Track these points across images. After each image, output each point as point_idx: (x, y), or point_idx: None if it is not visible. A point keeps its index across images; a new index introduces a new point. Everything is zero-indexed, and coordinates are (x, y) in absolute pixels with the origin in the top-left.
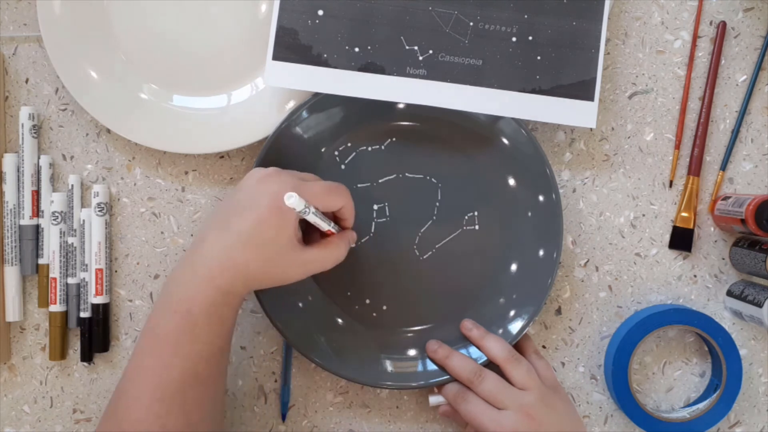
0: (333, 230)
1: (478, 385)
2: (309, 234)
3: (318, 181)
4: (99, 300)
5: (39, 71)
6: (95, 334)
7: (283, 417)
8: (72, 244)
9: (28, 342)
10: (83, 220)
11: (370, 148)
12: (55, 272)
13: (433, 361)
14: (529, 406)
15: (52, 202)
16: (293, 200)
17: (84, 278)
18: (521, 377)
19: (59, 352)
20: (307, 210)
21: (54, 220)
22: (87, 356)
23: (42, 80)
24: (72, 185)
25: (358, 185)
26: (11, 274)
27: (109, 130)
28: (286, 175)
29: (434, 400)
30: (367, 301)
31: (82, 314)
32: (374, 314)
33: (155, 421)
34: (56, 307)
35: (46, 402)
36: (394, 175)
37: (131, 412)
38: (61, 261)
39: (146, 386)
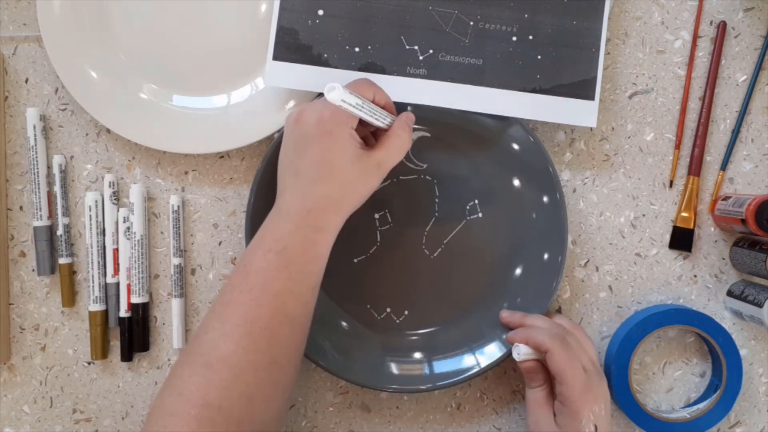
0: (386, 124)
1: (567, 337)
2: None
3: None
4: (137, 300)
5: (39, 71)
6: (135, 333)
7: None
8: (105, 244)
9: (28, 342)
10: (122, 219)
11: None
12: (92, 271)
13: (509, 326)
14: (603, 376)
15: (93, 205)
16: (336, 92)
17: (118, 280)
18: (591, 349)
19: (101, 351)
20: (353, 105)
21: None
22: (126, 356)
23: (42, 80)
24: (110, 182)
25: None
26: (177, 305)
27: (108, 130)
28: (317, 102)
29: (524, 351)
30: (388, 310)
31: (121, 314)
32: (397, 321)
33: (244, 355)
34: (96, 306)
35: (46, 402)
36: (388, 181)
37: (220, 346)
38: (99, 261)
39: (236, 320)
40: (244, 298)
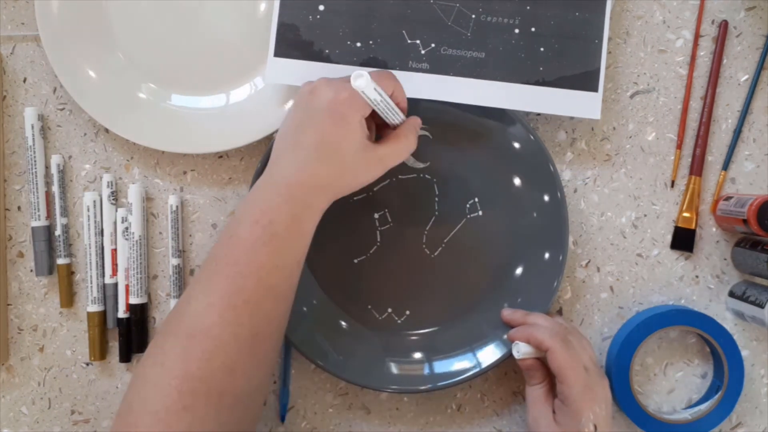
0: (398, 120)
1: (568, 336)
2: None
3: None
4: (136, 300)
5: (37, 71)
6: (133, 334)
7: (282, 418)
8: (103, 244)
9: (26, 343)
10: (120, 219)
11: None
12: (91, 272)
13: (510, 324)
14: (603, 377)
15: (92, 205)
16: (362, 80)
17: (117, 280)
18: (590, 349)
19: (99, 352)
20: (376, 94)
21: (88, 219)
22: (125, 356)
23: (40, 80)
24: (109, 182)
25: (355, 198)
26: None
27: (107, 130)
28: (335, 80)
29: (524, 349)
30: (389, 310)
31: (119, 315)
32: (398, 321)
33: (227, 327)
34: (95, 307)
35: (44, 403)
36: (387, 180)
37: (203, 317)
38: (97, 262)
39: (220, 292)
40: (228, 270)
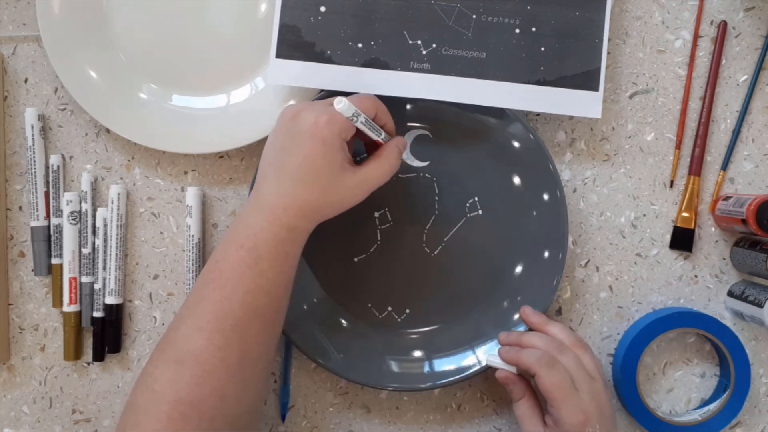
0: (382, 139)
1: (560, 357)
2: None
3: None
4: (112, 300)
5: (38, 71)
6: (108, 334)
7: (283, 417)
8: (95, 243)
9: (27, 342)
10: (105, 220)
11: (358, 158)
12: (75, 272)
13: (504, 346)
14: (599, 394)
15: (70, 202)
16: (343, 105)
17: (105, 278)
18: (591, 364)
19: (73, 352)
20: (356, 117)
21: (72, 220)
22: (99, 356)
23: (41, 80)
24: (94, 182)
25: None
26: None
27: (108, 130)
28: (317, 104)
29: (496, 360)
30: (389, 309)
31: (95, 314)
32: (398, 319)
33: (216, 352)
34: (72, 307)
35: (45, 402)
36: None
37: (192, 342)
38: (81, 261)
39: (208, 317)
40: (216, 295)
